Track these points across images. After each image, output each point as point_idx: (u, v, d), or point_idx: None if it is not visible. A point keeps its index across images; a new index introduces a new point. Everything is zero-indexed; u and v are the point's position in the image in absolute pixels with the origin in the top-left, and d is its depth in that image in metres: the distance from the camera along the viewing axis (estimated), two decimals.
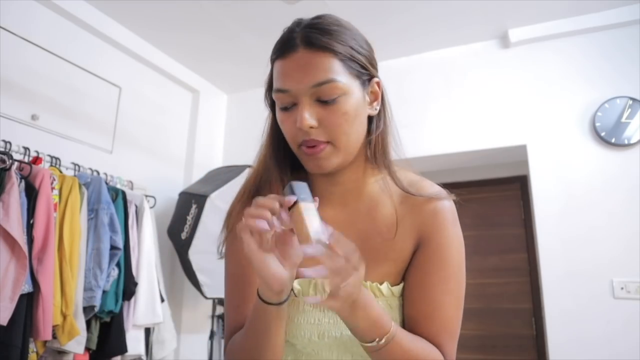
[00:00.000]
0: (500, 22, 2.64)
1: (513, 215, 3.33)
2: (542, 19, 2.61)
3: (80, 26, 2.47)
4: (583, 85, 2.50)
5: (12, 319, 1.62)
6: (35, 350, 1.80)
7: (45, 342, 1.83)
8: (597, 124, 2.40)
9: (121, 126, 2.69)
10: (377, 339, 0.63)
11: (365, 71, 0.73)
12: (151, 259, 2.38)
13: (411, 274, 0.75)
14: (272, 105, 0.77)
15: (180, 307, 2.86)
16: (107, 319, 2.07)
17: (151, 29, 2.72)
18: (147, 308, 2.27)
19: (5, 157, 1.76)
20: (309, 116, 0.67)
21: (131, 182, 2.51)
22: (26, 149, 1.97)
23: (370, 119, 0.76)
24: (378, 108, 0.77)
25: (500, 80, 2.71)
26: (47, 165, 2.08)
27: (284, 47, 0.71)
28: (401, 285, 0.76)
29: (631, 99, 2.36)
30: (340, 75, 0.68)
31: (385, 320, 0.65)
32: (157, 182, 2.87)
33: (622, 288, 2.20)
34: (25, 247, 1.68)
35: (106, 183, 2.23)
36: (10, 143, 1.90)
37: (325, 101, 0.68)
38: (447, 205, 0.77)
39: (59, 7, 2.31)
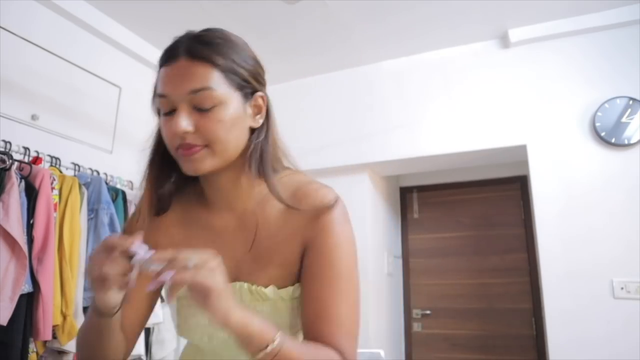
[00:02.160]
0: (500, 22, 2.65)
1: (513, 215, 3.33)
2: (542, 19, 2.61)
3: (80, 26, 2.47)
4: (583, 85, 2.51)
5: (12, 319, 1.62)
6: (35, 350, 1.80)
7: (45, 342, 1.83)
8: (597, 124, 2.40)
9: (121, 126, 2.68)
10: (262, 350, 0.63)
11: (248, 84, 0.76)
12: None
13: (302, 278, 0.77)
14: (157, 112, 0.80)
15: None
16: None
17: (151, 29, 2.72)
18: None
19: (5, 157, 1.76)
20: (184, 122, 0.70)
21: (131, 182, 2.51)
22: (26, 149, 1.97)
23: (252, 130, 0.79)
24: (261, 121, 0.79)
25: (500, 80, 2.71)
26: (47, 165, 2.08)
27: (168, 55, 0.75)
28: (291, 288, 0.78)
29: (631, 99, 2.37)
30: (218, 85, 0.71)
31: (268, 334, 0.64)
32: None
33: (622, 288, 2.20)
34: (25, 247, 1.68)
35: (106, 183, 2.23)
36: (10, 143, 1.90)
37: (201, 109, 0.71)
38: (332, 209, 0.78)
39: (59, 7, 2.31)
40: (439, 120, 2.80)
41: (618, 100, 2.39)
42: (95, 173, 2.30)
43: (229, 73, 0.73)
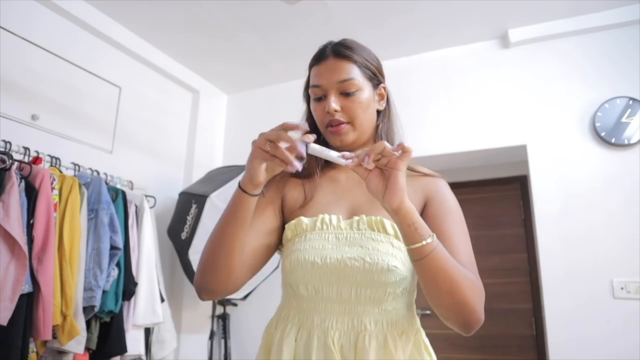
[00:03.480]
0: (500, 22, 2.65)
1: (513, 215, 3.33)
2: (542, 19, 2.61)
3: (80, 26, 2.47)
4: (583, 85, 2.51)
5: (12, 319, 1.62)
6: (35, 350, 1.80)
7: (45, 342, 1.83)
8: (597, 124, 2.40)
9: (121, 126, 2.69)
10: (422, 241, 0.75)
11: (375, 77, 1.00)
12: (151, 259, 2.38)
13: (431, 223, 0.87)
14: (307, 101, 1.04)
15: (180, 307, 2.86)
16: (107, 319, 2.07)
17: (151, 29, 2.72)
18: (147, 308, 2.27)
19: (5, 157, 1.76)
20: (334, 103, 0.93)
21: (131, 182, 2.51)
22: (26, 149, 1.97)
23: (378, 113, 1.02)
24: (384, 105, 1.04)
25: (500, 80, 2.71)
26: (47, 165, 2.08)
27: (319, 57, 0.99)
28: None
29: (631, 99, 2.37)
30: (357, 76, 0.95)
31: (428, 229, 0.77)
32: (157, 182, 2.87)
33: (622, 288, 2.20)
34: (25, 247, 1.68)
35: (106, 183, 2.23)
36: (10, 143, 1.90)
37: (346, 93, 0.94)
38: (442, 179, 1.02)
39: (59, 7, 2.31)
40: (439, 120, 2.80)
41: (618, 101, 2.39)
42: (95, 173, 2.30)
43: (363, 68, 0.97)
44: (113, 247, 2.10)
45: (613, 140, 2.36)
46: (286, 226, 0.96)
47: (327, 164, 1.02)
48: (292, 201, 1.00)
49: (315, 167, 1.02)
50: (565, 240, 2.36)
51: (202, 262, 0.88)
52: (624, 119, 2.35)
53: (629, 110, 2.35)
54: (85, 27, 2.49)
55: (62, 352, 1.89)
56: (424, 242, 0.75)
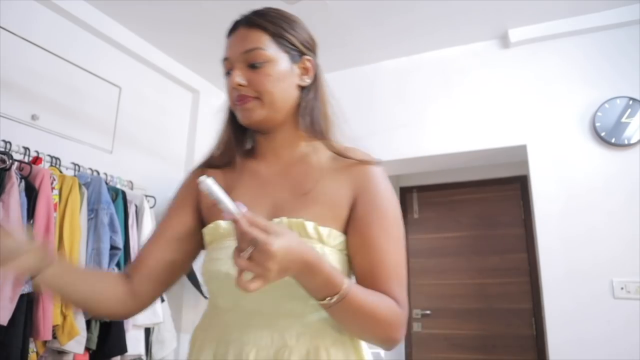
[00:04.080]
0: (500, 22, 2.65)
1: (513, 215, 3.33)
2: (542, 19, 2.61)
3: (80, 26, 2.47)
4: (583, 85, 2.50)
5: (12, 319, 1.62)
6: (35, 350, 1.80)
7: (45, 342, 1.83)
8: (597, 124, 2.40)
9: (121, 126, 2.69)
10: (327, 298, 0.68)
11: (295, 48, 0.88)
12: None
13: (354, 228, 0.81)
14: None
15: (180, 307, 2.86)
16: (107, 319, 2.07)
17: (151, 29, 2.72)
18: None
19: (5, 157, 1.76)
20: (239, 77, 0.83)
21: (131, 182, 2.51)
22: (26, 149, 1.97)
23: (302, 90, 0.89)
24: (309, 81, 0.90)
25: (500, 80, 2.71)
26: (47, 165, 2.08)
27: (231, 28, 0.90)
28: (329, 229, 0.80)
29: (631, 99, 2.36)
30: (267, 46, 0.84)
31: (336, 281, 0.68)
32: (157, 182, 2.87)
33: (622, 288, 2.20)
34: None
35: (106, 183, 2.23)
36: (10, 143, 1.90)
37: (252, 65, 0.83)
38: (377, 167, 0.87)
39: (59, 7, 2.31)
40: (439, 120, 2.80)
41: (618, 101, 2.39)
42: (95, 173, 2.30)
43: (278, 37, 0.86)
44: (113, 247, 2.10)
45: (613, 140, 2.36)
46: (204, 230, 0.87)
47: (247, 152, 0.94)
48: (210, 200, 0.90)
49: (233, 154, 0.93)
50: (565, 241, 2.36)
51: None
52: (624, 119, 2.35)
53: (629, 110, 2.35)
54: (85, 27, 2.49)
55: (62, 352, 1.89)
56: (328, 301, 0.68)
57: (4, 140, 1.90)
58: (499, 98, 2.68)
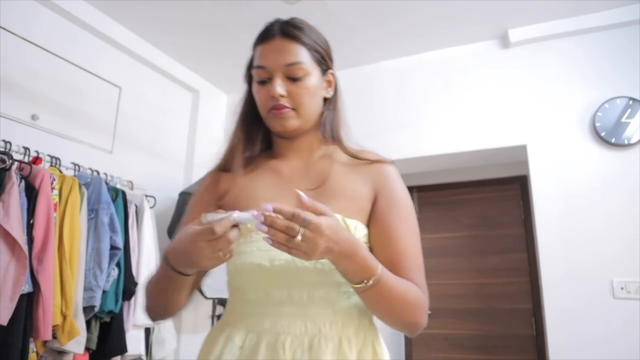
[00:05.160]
0: (500, 22, 2.65)
1: (513, 215, 3.33)
2: (542, 19, 2.61)
3: (80, 26, 2.47)
4: (583, 85, 2.51)
5: (12, 319, 1.62)
6: (35, 350, 1.80)
7: (45, 342, 1.83)
8: (597, 124, 2.40)
9: (121, 126, 2.69)
10: (364, 282, 0.74)
11: (324, 61, 0.93)
12: (151, 259, 2.38)
13: (376, 221, 0.87)
14: (248, 82, 0.97)
15: None
16: (107, 319, 2.07)
17: (151, 29, 2.72)
18: None
19: (5, 157, 1.76)
20: (280, 87, 0.86)
21: (131, 182, 2.51)
22: (26, 149, 1.97)
23: (324, 100, 0.95)
24: (332, 93, 0.96)
25: (500, 80, 2.71)
26: (47, 165, 2.08)
27: (265, 35, 0.91)
28: (354, 221, 0.85)
29: (631, 99, 2.37)
30: (306, 60, 0.89)
31: (372, 265, 0.74)
32: (157, 182, 2.87)
33: (622, 288, 2.20)
34: (25, 247, 1.68)
35: (106, 183, 2.23)
36: (10, 143, 1.90)
37: (293, 78, 0.87)
38: (391, 166, 0.95)
39: (59, 7, 2.31)
40: (439, 120, 2.80)
41: (618, 101, 2.39)
42: (95, 173, 2.30)
43: (312, 51, 0.90)
44: (113, 247, 2.10)
45: (613, 140, 2.36)
46: None
47: (267, 153, 0.98)
48: (232, 199, 0.92)
49: (239, 159, 0.95)
50: (565, 240, 2.36)
51: (150, 302, 0.89)
52: (624, 119, 2.35)
53: (629, 111, 2.35)
54: (86, 27, 2.49)
55: (62, 352, 1.89)
56: (364, 284, 0.74)
57: (4, 140, 1.90)
58: (499, 98, 2.68)
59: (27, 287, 1.69)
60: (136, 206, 2.41)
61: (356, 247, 0.72)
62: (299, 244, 0.66)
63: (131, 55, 2.78)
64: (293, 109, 0.88)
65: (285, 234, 0.66)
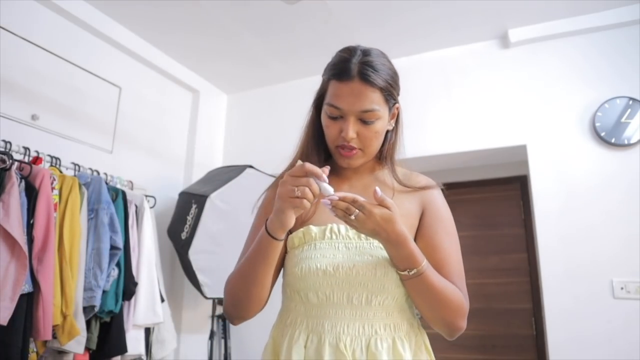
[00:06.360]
0: (500, 22, 2.65)
1: (513, 215, 3.32)
2: (542, 19, 2.61)
3: (80, 27, 2.47)
4: (583, 85, 2.51)
5: (12, 319, 1.62)
6: (35, 350, 1.80)
7: (45, 342, 1.83)
8: (597, 124, 2.40)
9: (121, 126, 2.69)
10: (408, 270, 0.85)
11: (393, 98, 0.98)
12: (151, 259, 2.38)
13: (422, 234, 0.97)
14: (316, 107, 1.03)
15: (180, 307, 2.86)
16: (107, 319, 2.07)
17: (151, 29, 2.72)
18: (147, 308, 2.27)
19: (5, 157, 1.76)
20: (352, 131, 0.92)
21: (131, 182, 2.51)
22: (26, 149, 1.97)
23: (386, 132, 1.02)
24: (394, 125, 1.03)
25: (500, 81, 2.71)
26: (47, 165, 2.08)
27: (342, 73, 0.93)
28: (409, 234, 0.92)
29: (631, 99, 2.37)
30: (379, 105, 0.93)
31: (417, 257, 0.85)
32: (157, 182, 2.87)
33: (622, 288, 2.21)
34: (25, 247, 1.68)
35: (106, 183, 2.23)
36: (10, 143, 1.90)
37: (365, 122, 0.93)
38: (437, 189, 1.05)
39: (59, 7, 2.31)
40: (439, 120, 2.80)
41: (618, 101, 2.39)
42: (95, 173, 2.30)
43: (386, 94, 0.95)
44: (113, 247, 2.10)
45: (613, 140, 2.36)
46: (292, 234, 0.96)
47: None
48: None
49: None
50: (565, 240, 2.36)
51: (233, 296, 0.94)
52: (623, 119, 2.35)
53: (629, 111, 2.35)
54: (86, 28, 2.49)
55: (62, 352, 1.89)
56: (407, 272, 0.85)
57: (4, 140, 1.90)
58: (498, 98, 2.68)
59: (27, 287, 1.69)
60: (136, 206, 2.41)
61: (403, 239, 0.83)
62: (352, 221, 0.81)
63: (131, 55, 2.78)
64: (360, 149, 0.95)
65: (344, 212, 0.80)
